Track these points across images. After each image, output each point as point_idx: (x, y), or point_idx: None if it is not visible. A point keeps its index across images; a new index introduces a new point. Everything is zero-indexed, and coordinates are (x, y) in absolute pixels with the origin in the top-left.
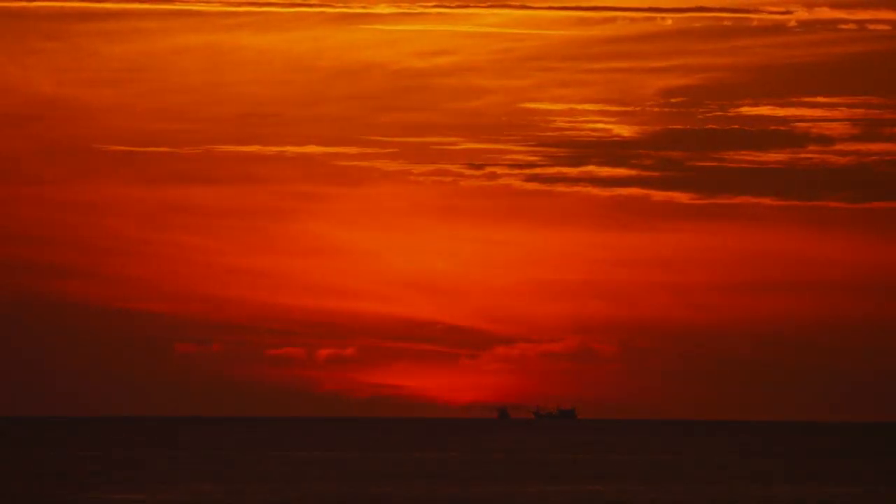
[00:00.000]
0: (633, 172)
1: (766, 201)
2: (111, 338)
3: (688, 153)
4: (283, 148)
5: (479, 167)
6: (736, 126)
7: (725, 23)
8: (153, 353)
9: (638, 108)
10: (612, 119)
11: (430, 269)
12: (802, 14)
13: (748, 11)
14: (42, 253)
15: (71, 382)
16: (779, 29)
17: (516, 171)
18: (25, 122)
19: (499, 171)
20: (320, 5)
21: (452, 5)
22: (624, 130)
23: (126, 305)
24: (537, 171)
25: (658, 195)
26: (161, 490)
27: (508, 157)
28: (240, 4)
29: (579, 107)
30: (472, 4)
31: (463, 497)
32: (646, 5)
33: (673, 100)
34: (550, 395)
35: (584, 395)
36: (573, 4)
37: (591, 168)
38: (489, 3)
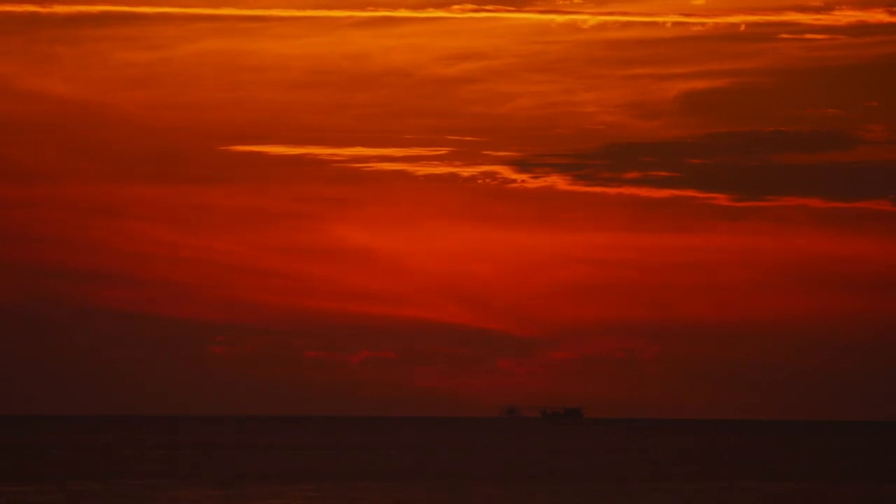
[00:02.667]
0: (674, 175)
1: (810, 203)
2: (144, 342)
3: (729, 156)
4: (317, 150)
5: (523, 169)
6: (778, 128)
7: (765, 27)
8: (188, 356)
9: (678, 111)
10: (653, 121)
11: (466, 272)
12: (845, 16)
13: (791, 12)
14: (67, 257)
15: (90, 384)
16: (822, 31)
17: (555, 175)
18: (47, 128)
19: (537, 174)
20: (343, 8)
21: (477, 10)
22: (664, 133)
23: (157, 310)
24: (577, 173)
25: (699, 197)
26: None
27: (546, 160)
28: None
29: (617, 109)
30: (496, 9)
31: None
32: (683, 9)
33: (713, 102)
34: (585, 397)
35: (617, 396)
36: (616, 10)
37: (631, 171)
38: (514, 8)
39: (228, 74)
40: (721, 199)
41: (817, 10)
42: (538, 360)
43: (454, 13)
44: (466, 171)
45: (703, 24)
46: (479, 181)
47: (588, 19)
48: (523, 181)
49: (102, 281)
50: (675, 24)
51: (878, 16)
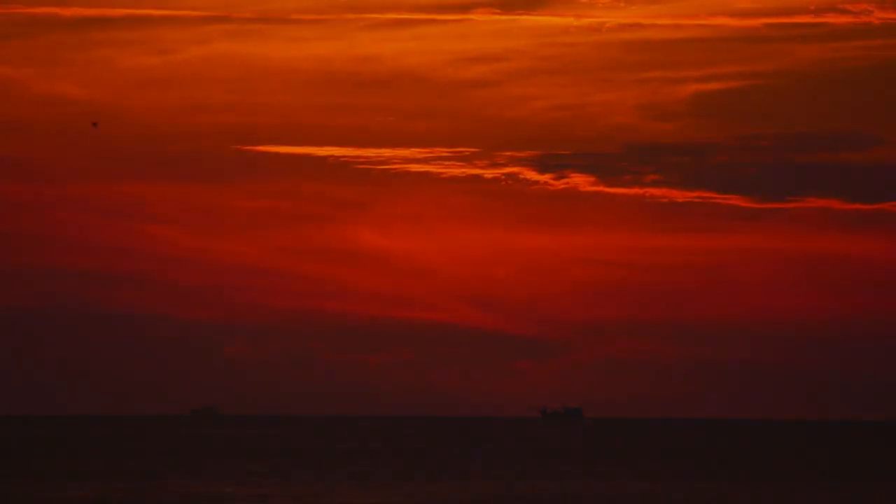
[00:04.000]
0: (694, 176)
1: (831, 204)
2: (164, 343)
3: (749, 157)
4: (338, 151)
5: (545, 171)
6: (798, 129)
7: (785, 29)
8: (206, 358)
9: (698, 112)
10: (672, 123)
11: (484, 273)
12: (868, 18)
13: (811, 14)
14: (82, 260)
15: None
16: (842, 32)
17: (577, 177)
18: (63, 131)
19: (559, 175)
20: (359, 11)
21: (497, 13)
22: (684, 135)
23: (174, 313)
24: (598, 176)
25: (719, 198)
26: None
27: (567, 161)
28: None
29: (636, 111)
30: (514, 13)
31: None
32: (703, 10)
33: (733, 104)
34: (608, 398)
35: (637, 396)
36: (634, 12)
37: (651, 173)
38: (533, 12)
39: (244, 77)
40: (741, 200)
41: (840, 11)
42: (557, 362)
43: (470, 16)
44: (488, 173)
45: (722, 25)
46: (502, 183)
47: (605, 22)
48: (546, 183)
49: (122, 283)
50: (694, 25)
51: None
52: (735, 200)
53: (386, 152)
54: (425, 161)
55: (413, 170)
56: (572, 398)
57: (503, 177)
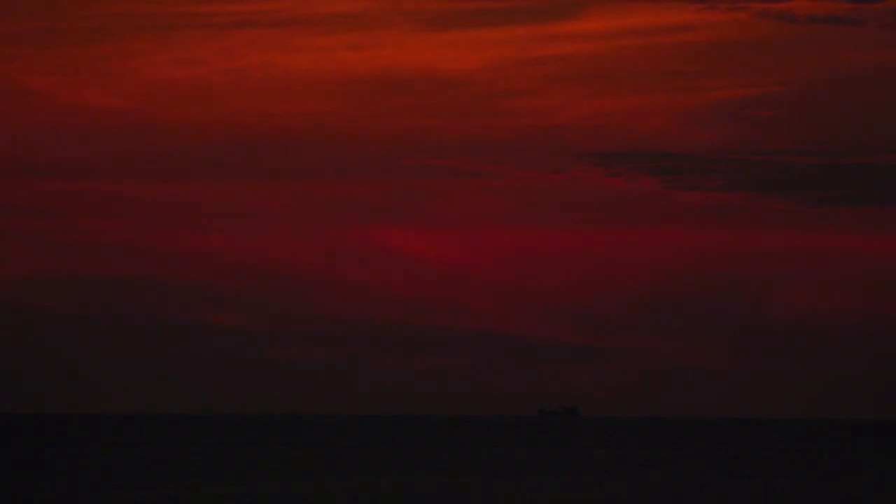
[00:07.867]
0: (744, 180)
1: (887, 209)
2: (208, 352)
3: (805, 159)
4: (386, 154)
5: (611, 174)
6: (860, 133)
7: (826, 34)
8: (249, 362)
9: (758, 116)
10: (727, 126)
11: (528, 279)
12: None
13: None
14: (115, 265)
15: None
16: (883, 33)
17: (644, 179)
18: (89, 139)
19: (627, 178)
20: (396, 15)
21: (529, 21)
22: (738, 138)
23: (214, 318)
24: (663, 178)
25: (773, 200)
26: None
27: (630, 165)
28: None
29: (685, 115)
30: (549, 19)
31: None
32: (741, 15)
33: (791, 107)
34: (645, 401)
35: (686, 400)
36: (674, 17)
37: (700, 177)
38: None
39: (275, 82)
40: (795, 204)
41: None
42: (603, 368)
43: (508, 23)
44: (554, 177)
45: (771, 27)
46: (566, 185)
47: (646, 26)
48: (612, 186)
49: (149, 288)
50: (744, 28)
51: None
52: (790, 205)
53: (432, 156)
54: (475, 164)
55: (460, 173)
56: (622, 404)
57: (566, 179)
